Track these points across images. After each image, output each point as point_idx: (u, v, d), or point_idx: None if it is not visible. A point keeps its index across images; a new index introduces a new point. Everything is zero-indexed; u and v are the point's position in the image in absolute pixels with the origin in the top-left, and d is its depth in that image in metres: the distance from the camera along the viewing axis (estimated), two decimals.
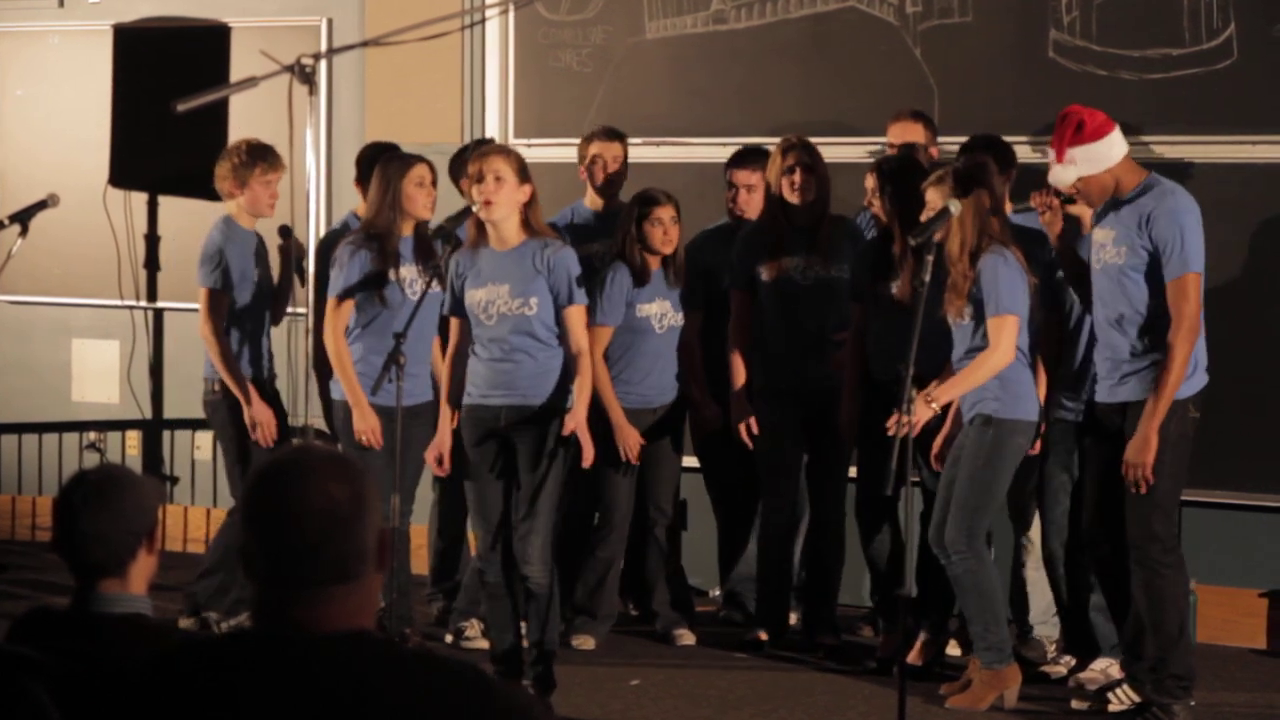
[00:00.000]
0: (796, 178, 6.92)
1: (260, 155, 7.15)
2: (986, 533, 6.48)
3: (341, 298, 6.62)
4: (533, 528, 6.14)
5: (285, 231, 7.28)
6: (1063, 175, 6.09)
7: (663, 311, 7.13)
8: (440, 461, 6.31)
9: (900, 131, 7.23)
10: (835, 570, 7.12)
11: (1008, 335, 6.23)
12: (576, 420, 6.16)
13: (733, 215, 7.37)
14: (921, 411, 6.17)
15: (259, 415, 7.07)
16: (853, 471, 7.11)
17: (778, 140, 7.10)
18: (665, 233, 7.02)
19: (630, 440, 7.04)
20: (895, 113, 7.33)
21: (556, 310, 6.19)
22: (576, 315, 6.21)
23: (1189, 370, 6.02)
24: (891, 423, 5.93)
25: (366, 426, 6.60)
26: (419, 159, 6.75)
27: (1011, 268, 6.25)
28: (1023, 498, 6.80)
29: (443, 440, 6.30)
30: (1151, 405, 6.00)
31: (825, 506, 7.08)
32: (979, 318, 6.28)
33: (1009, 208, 6.74)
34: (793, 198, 6.94)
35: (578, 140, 7.70)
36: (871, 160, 7.15)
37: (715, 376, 7.20)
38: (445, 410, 6.34)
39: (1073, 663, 6.78)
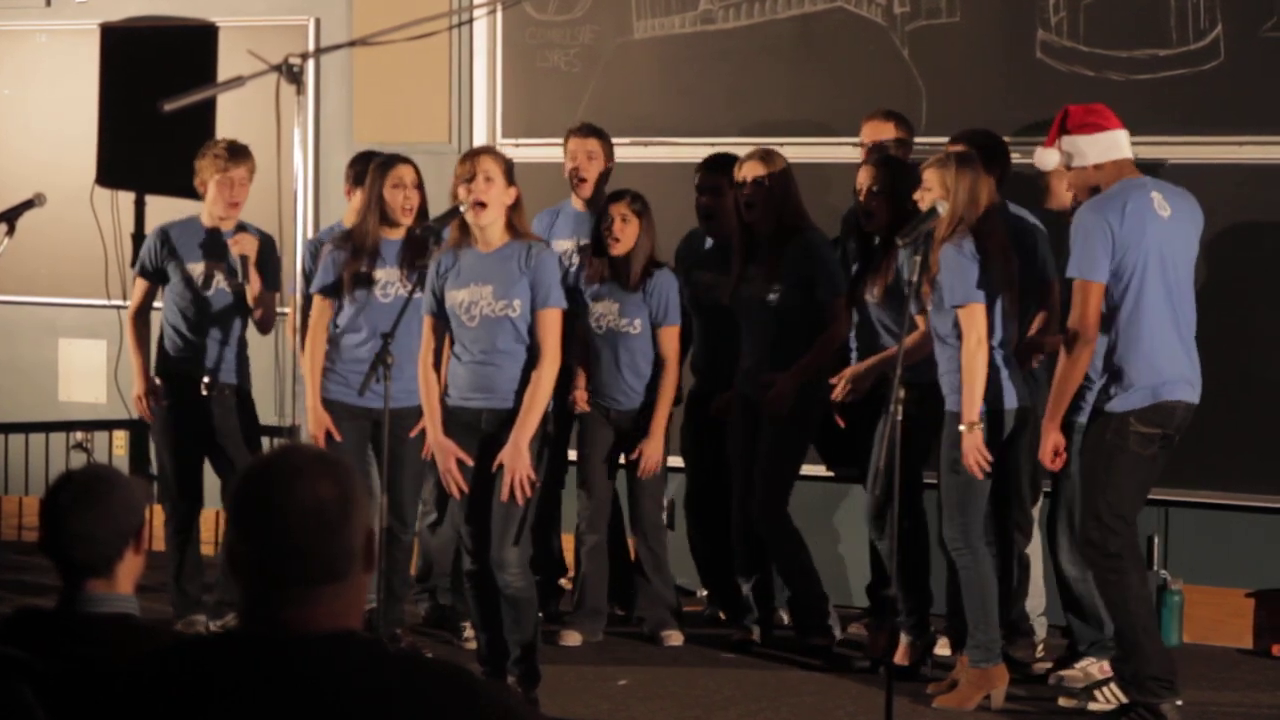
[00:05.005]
0: (745, 192, 6.93)
1: (222, 152, 7.16)
2: (984, 528, 6.50)
3: (320, 296, 6.70)
4: (506, 530, 6.11)
5: (239, 227, 7.24)
6: (1044, 158, 6.19)
7: (603, 312, 7.15)
8: (461, 467, 6.17)
9: (872, 130, 7.21)
10: (793, 576, 7.05)
11: (976, 324, 6.23)
12: (515, 462, 5.99)
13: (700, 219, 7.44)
14: (975, 438, 6.19)
15: (136, 385, 7.28)
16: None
17: (760, 140, 7.14)
18: (608, 229, 7.09)
19: (576, 395, 7.16)
20: (869, 112, 7.33)
21: (533, 311, 6.15)
22: (551, 318, 6.12)
23: (1125, 385, 5.98)
24: (971, 464, 6.07)
25: (315, 430, 6.65)
26: (402, 160, 6.76)
27: (964, 256, 6.25)
28: (1010, 495, 6.79)
29: (444, 446, 6.14)
30: (1050, 406, 6.07)
31: (757, 518, 7.03)
32: (939, 305, 6.31)
33: (996, 198, 6.75)
34: (743, 212, 6.95)
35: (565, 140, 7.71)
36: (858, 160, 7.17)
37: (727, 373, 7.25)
38: (433, 421, 6.19)
39: (1048, 664, 6.81)
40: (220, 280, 7.23)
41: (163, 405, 7.22)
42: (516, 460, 6.01)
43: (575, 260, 7.37)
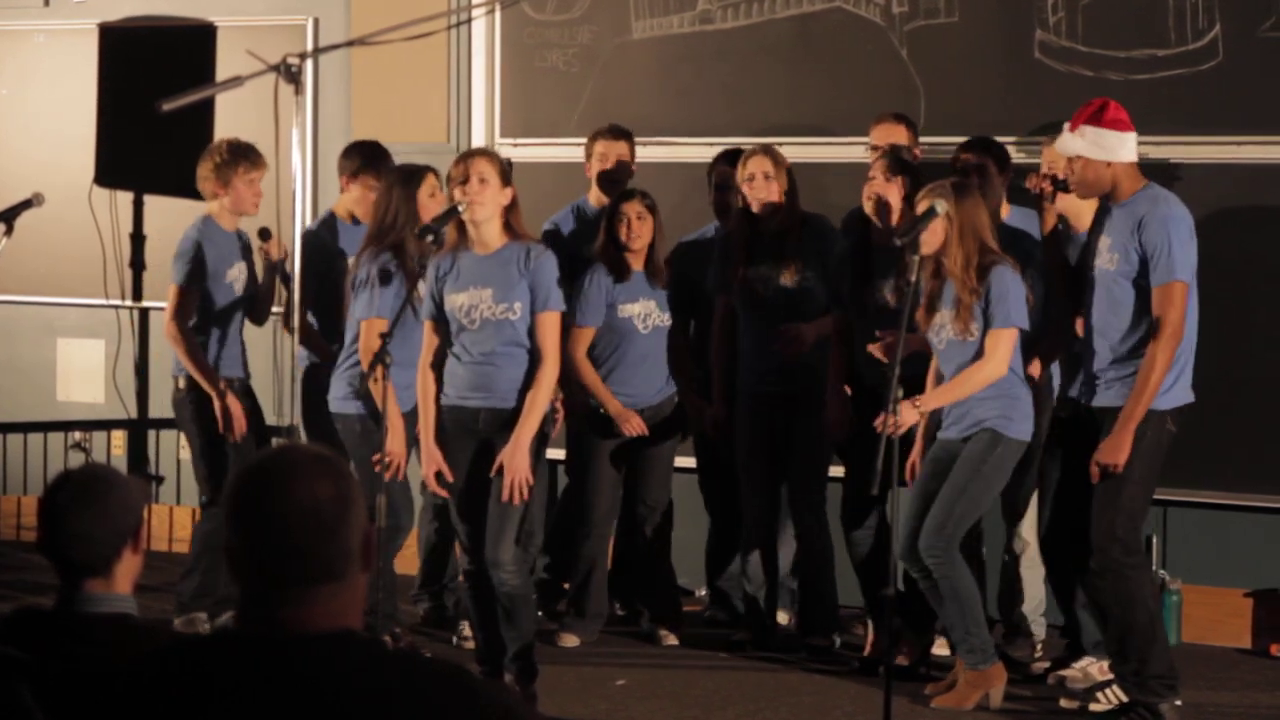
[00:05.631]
0: (754, 185, 6.93)
1: (243, 154, 7.13)
2: (978, 533, 6.51)
3: (383, 317, 6.49)
4: (503, 529, 6.10)
5: (264, 234, 7.25)
6: (1068, 143, 6.14)
7: (646, 311, 7.16)
8: (442, 481, 6.19)
9: (883, 133, 7.22)
10: (821, 573, 7.10)
11: (1005, 348, 6.23)
12: (515, 463, 6.01)
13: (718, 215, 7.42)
14: (908, 415, 6.17)
15: (231, 408, 7.06)
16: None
17: (759, 141, 7.12)
18: (629, 227, 7.06)
19: (632, 423, 7.12)
20: (878, 115, 7.33)
21: (532, 313, 6.13)
22: (550, 321, 6.13)
23: (1169, 381, 6.03)
24: (879, 422, 5.95)
25: (396, 452, 6.45)
26: (427, 169, 6.74)
27: (1019, 282, 6.27)
28: (1015, 494, 6.80)
29: (433, 455, 6.19)
30: (1129, 408, 6.02)
31: (801, 512, 7.07)
32: (982, 326, 6.28)
33: (1005, 210, 6.76)
34: (753, 206, 6.96)
35: (564, 140, 7.72)
36: (858, 159, 7.16)
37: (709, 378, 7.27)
38: (429, 426, 6.21)
39: (1046, 663, 6.81)
40: (245, 281, 7.25)
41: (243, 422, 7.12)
42: (516, 460, 6.01)
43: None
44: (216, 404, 7.06)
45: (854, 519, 6.93)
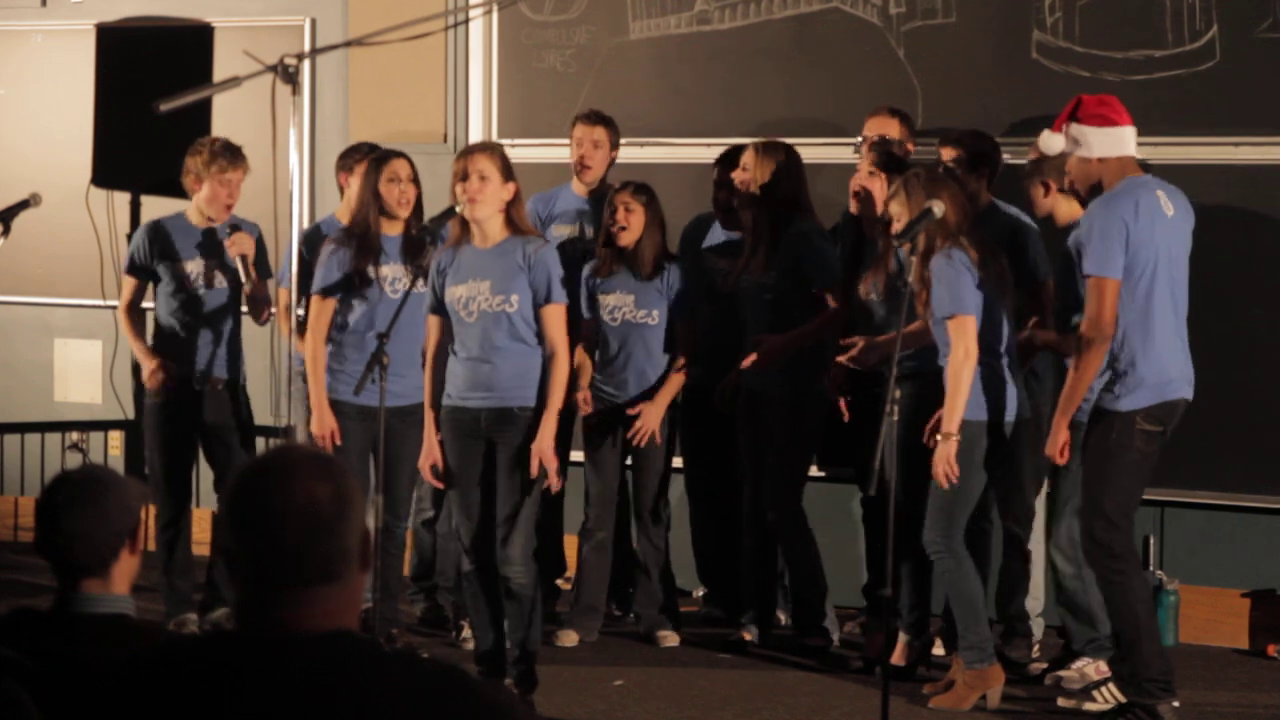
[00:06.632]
0: (738, 184, 6.95)
1: (220, 152, 7.13)
2: (985, 529, 6.51)
3: (322, 295, 6.64)
4: (514, 529, 6.12)
5: (233, 226, 7.20)
6: (1048, 141, 6.16)
7: (616, 304, 7.16)
8: (436, 473, 6.25)
9: (876, 125, 7.22)
10: (796, 575, 7.08)
11: (962, 335, 6.22)
12: (542, 446, 6.08)
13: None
14: (949, 448, 6.17)
15: (147, 366, 7.22)
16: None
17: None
18: (612, 218, 7.10)
19: (582, 394, 7.15)
20: (874, 108, 7.34)
21: (535, 308, 6.16)
22: (555, 314, 6.16)
23: (1133, 383, 5.99)
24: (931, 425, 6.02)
25: (322, 431, 6.62)
26: (396, 154, 6.77)
27: (954, 268, 6.24)
28: (1003, 488, 6.79)
29: (432, 449, 6.25)
30: (1059, 406, 6.06)
31: (773, 512, 7.04)
32: (933, 316, 6.31)
33: (986, 198, 6.75)
34: (737, 203, 6.99)
35: (561, 141, 7.72)
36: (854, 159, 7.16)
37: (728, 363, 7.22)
38: (430, 418, 6.26)
39: (1044, 664, 6.82)
40: (215, 278, 7.21)
41: (172, 386, 7.17)
42: (545, 449, 6.07)
43: (583, 232, 7.40)
44: (145, 369, 7.24)
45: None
